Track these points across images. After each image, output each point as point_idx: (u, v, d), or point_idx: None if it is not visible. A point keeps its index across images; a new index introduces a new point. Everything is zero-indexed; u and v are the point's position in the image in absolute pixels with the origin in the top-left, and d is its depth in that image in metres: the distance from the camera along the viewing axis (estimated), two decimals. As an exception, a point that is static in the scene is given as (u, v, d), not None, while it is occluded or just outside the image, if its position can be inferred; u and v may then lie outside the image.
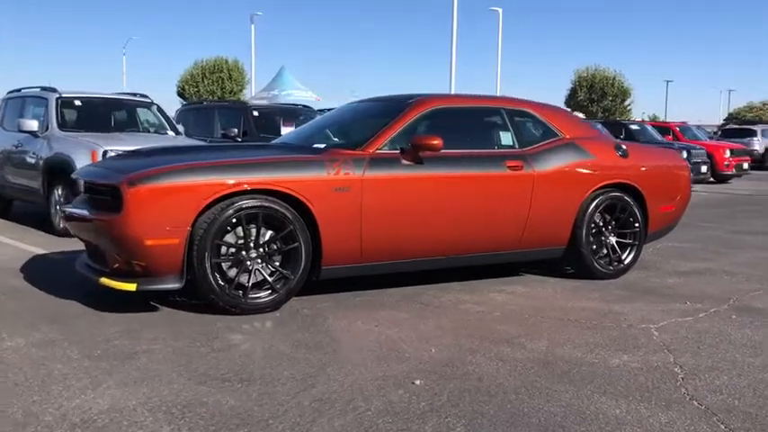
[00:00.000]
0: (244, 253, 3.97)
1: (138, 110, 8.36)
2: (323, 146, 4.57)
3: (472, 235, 4.69)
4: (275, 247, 4.05)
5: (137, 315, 3.91)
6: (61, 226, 6.94)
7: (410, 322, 3.88)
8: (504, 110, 5.05)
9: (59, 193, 7.05)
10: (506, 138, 4.96)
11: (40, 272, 5.05)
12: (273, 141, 5.41)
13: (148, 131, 8.16)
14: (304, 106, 10.33)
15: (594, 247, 5.16)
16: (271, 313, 3.99)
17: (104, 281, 3.91)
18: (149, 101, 8.39)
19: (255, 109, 9.50)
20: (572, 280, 5.13)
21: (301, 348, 3.36)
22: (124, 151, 6.62)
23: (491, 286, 4.86)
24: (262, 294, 4.01)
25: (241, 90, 36.00)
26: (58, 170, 6.93)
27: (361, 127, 4.93)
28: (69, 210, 4.31)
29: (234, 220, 3.89)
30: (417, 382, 2.91)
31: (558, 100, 35.07)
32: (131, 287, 3.79)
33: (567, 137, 5.13)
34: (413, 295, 4.51)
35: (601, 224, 5.19)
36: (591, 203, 5.07)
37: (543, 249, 5.05)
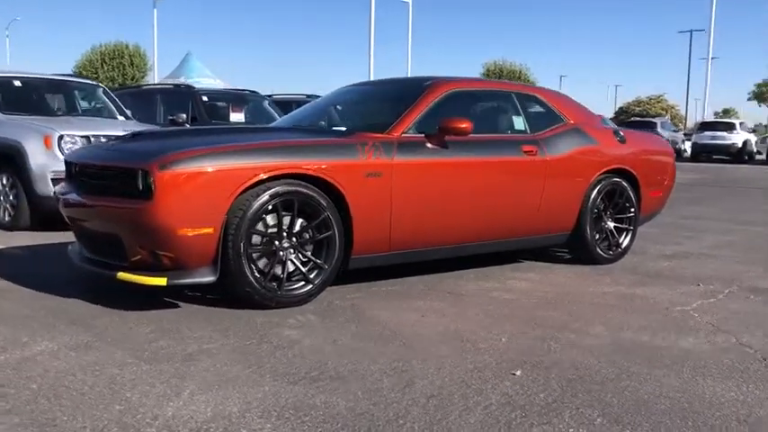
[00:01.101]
0: (277, 243, 3.70)
1: (83, 92, 7.75)
2: (343, 129, 4.33)
3: (492, 221, 4.61)
4: (307, 236, 3.80)
5: (159, 312, 3.58)
6: (7, 219, 6.36)
7: (454, 311, 3.74)
8: (515, 94, 4.98)
9: (4, 182, 6.44)
10: (519, 122, 4.89)
11: (13, 269, 4.55)
12: (276, 124, 5.09)
13: (97, 116, 7.57)
14: (251, 92, 9.90)
15: (596, 232, 5.19)
16: (305, 306, 3.74)
17: (123, 276, 3.53)
18: (95, 83, 7.81)
19: (204, 93, 9.01)
20: (573, 265, 5.14)
21: (368, 341, 3.16)
22: (83, 137, 6.14)
23: (504, 274, 4.79)
24: (296, 286, 3.75)
25: (143, 77, 34.56)
26: (4, 157, 6.32)
27: (375, 110, 4.73)
28: (72, 196, 3.88)
29: (269, 207, 3.61)
30: (517, 372, 2.78)
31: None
32: (160, 282, 3.45)
33: (572, 122, 5.13)
34: (433, 284, 4.36)
35: (601, 209, 5.22)
36: (594, 189, 5.09)
37: (551, 235, 5.03)
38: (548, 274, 4.86)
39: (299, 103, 11.58)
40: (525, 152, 4.70)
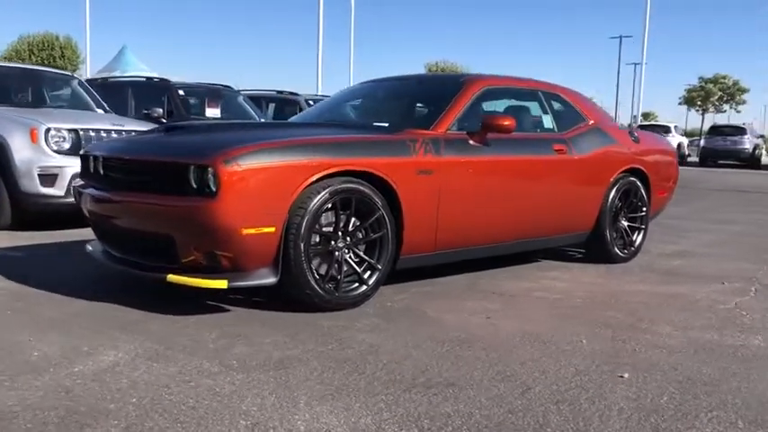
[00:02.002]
0: (332, 242, 3.54)
1: (58, 83, 7.32)
2: (386, 125, 4.19)
3: (527, 220, 4.56)
4: (360, 235, 3.65)
5: (211, 317, 3.37)
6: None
7: (514, 312, 3.67)
8: (542, 92, 4.95)
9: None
10: (547, 121, 4.87)
11: (20, 272, 4.22)
12: (303, 119, 4.87)
13: (72, 109, 7.15)
14: (225, 86, 9.57)
15: (613, 231, 5.21)
16: (362, 309, 3.59)
17: (175, 278, 3.30)
18: (70, 74, 7.39)
19: (180, 87, 8.64)
20: (587, 264, 5.14)
21: (451, 345, 3.04)
22: (70, 130, 5.79)
23: (531, 273, 4.75)
24: (352, 287, 3.60)
25: (75, 70, 33.17)
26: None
27: (409, 107, 4.61)
28: (102, 193, 3.61)
29: (329, 206, 3.45)
30: (625, 375, 2.72)
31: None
32: (221, 285, 3.23)
33: (592, 122, 5.14)
34: (469, 285, 4.28)
35: (618, 208, 5.25)
36: (613, 188, 5.12)
37: (573, 234, 5.03)
38: (574, 272, 4.84)
39: (268, 99, 11.35)
40: (556, 151, 4.67)
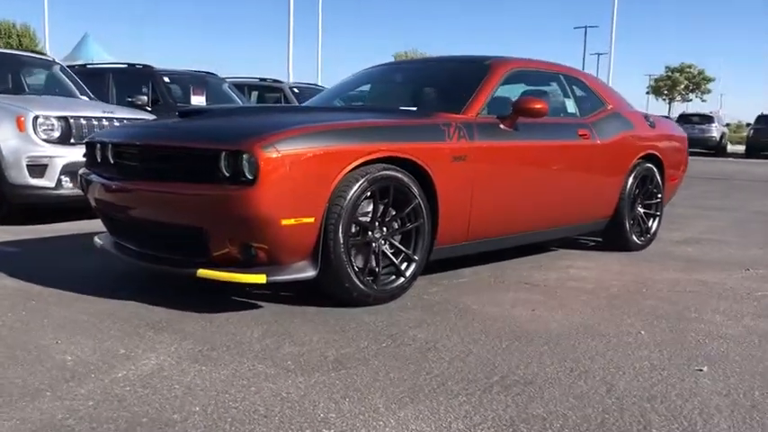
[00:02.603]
0: (370, 233, 3.34)
1: (37, 69, 6.95)
2: (414, 108, 3.99)
3: (554, 207, 4.43)
4: (396, 225, 3.46)
5: (247, 313, 3.16)
6: None
7: (556, 303, 3.52)
8: (563, 76, 4.81)
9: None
10: (570, 105, 4.73)
11: (26, 268, 3.94)
12: (320, 102, 4.62)
13: (56, 95, 6.78)
14: (209, 73, 9.23)
15: (631, 218, 5.11)
16: (400, 302, 3.41)
17: (206, 273, 3.07)
18: (51, 59, 7.03)
19: (165, 74, 8.29)
20: (606, 252, 5.02)
21: (511, 340, 2.87)
22: (59, 118, 5.48)
23: (553, 263, 4.61)
24: (390, 280, 3.41)
25: (34, 59, 32.11)
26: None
27: (432, 90, 4.41)
28: (117, 182, 3.36)
29: (368, 194, 3.25)
30: (704, 368, 2.58)
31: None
32: (259, 279, 3.01)
33: (611, 107, 5.02)
34: (498, 276, 4.11)
35: (636, 194, 5.15)
36: (631, 174, 5.01)
37: (594, 222, 4.91)
38: (595, 262, 4.71)
39: (250, 87, 11.03)
40: (581, 136, 4.54)
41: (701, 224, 6.81)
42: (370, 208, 3.33)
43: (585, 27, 48.91)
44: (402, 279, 3.43)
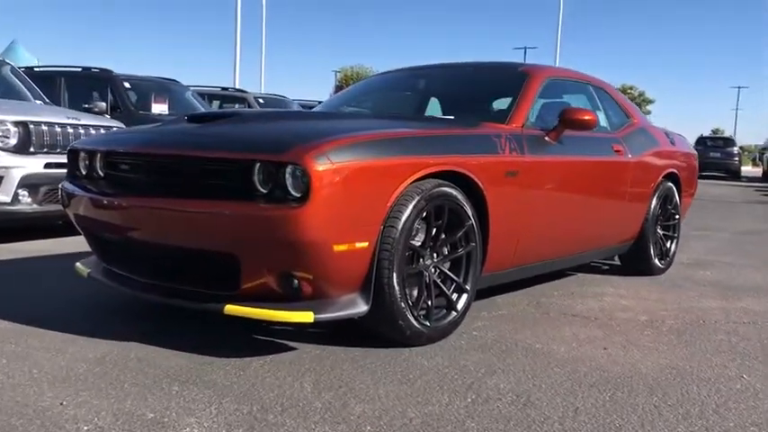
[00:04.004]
0: (421, 260, 2.86)
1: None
2: (451, 117, 3.53)
3: (593, 229, 4.05)
4: (445, 251, 2.99)
5: (279, 358, 2.63)
6: None
7: (623, 340, 3.11)
8: (592, 86, 4.44)
9: None
10: (602, 118, 4.35)
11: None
12: (332, 109, 4.10)
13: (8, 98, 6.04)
14: (171, 80, 8.55)
15: (654, 240, 4.78)
16: (450, 340, 2.93)
17: (235, 309, 2.52)
18: (0, 59, 6.27)
19: (125, 79, 7.59)
20: (628, 277, 4.68)
21: (613, 390, 2.43)
22: (17, 123, 4.82)
23: (584, 289, 4.21)
24: (441, 315, 2.93)
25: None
26: None
27: (467, 98, 3.96)
28: (118, 198, 2.78)
29: (424, 215, 2.77)
30: None
31: (324, 96, 34.92)
32: (305, 317, 2.48)
33: (636, 121, 4.69)
34: (535, 306, 3.69)
35: (658, 215, 4.83)
36: (655, 194, 4.69)
37: (622, 244, 4.55)
38: (624, 288, 4.32)
39: (211, 96, 10.38)
40: (616, 152, 4.18)
41: (698, 245, 6.57)
42: (423, 231, 2.84)
43: (525, 48, 49.70)
44: (454, 313, 2.96)
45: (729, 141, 26.68)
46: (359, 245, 2.53)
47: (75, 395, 2.15)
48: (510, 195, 3.22)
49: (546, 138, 3.55)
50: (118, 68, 7.68)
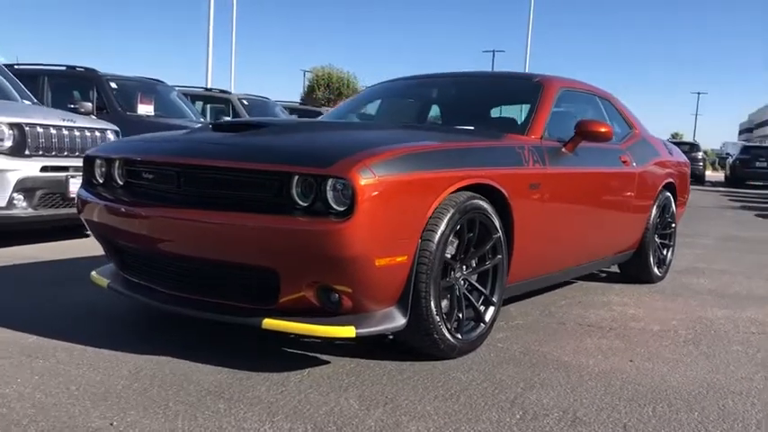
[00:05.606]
0: (452, 273, 2.86)
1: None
2: (472, 128, 3.53)
3: (602, 238, 4.10)
4: (473, 263, 3.00)
5: (316, 371, 2.60)
6: None
7: (645, 352, 3.14)
8: (598, 97, 4.49)
9: None
10: (608, 129, 4.39)
11: (7, 310, 3.20)
12: (340, 118, 4.07)
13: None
14: (156, 80, 8.40)
15: (653, 249, 4.85)
16: (479, 353, 2.94)
17: (274, 324, 2.49)
18: (-14, 57, 6.08)
19: (111, 79, 7.43)
20: (626, 285, 4.75)
21: (663, 405, 2.46)
22: (12, 125, 4.71)
23: (589, 298, 4.26)
24: (470, 327, 2.94)
25: None
26: None
27: (481, 108, 3.96)
28: (142, 209, 2.71)
29: (458, 227, 2.77)
30: None
31: (296, 96, 34.66)
32: (347, 332, 2.46)
33: (637, 131, 4.77)
34: (548, 316, 3.72)
35: (657, 224, 4.90)
36: (655, 203, 4.76)
37: (624, 253, 4.61)
38: (627, 296, 4.40)
39: (193, 97, 10.24)
40: (623, 162, 4.23)
41: (685, 252, 6.67)
42: (454, 243, 2.84)
43: (493, 51, 50.10)
44: (482, 326, 2.97)
45: (695, 147, 27.30)
46: (398, 259, 2.52)
47: (123, 414, 2.10)
48: (533, 207, 3.24)
49: (563, 149, 3.57)
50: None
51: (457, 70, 4.46)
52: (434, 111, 4.17)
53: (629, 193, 4.28)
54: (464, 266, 2.92)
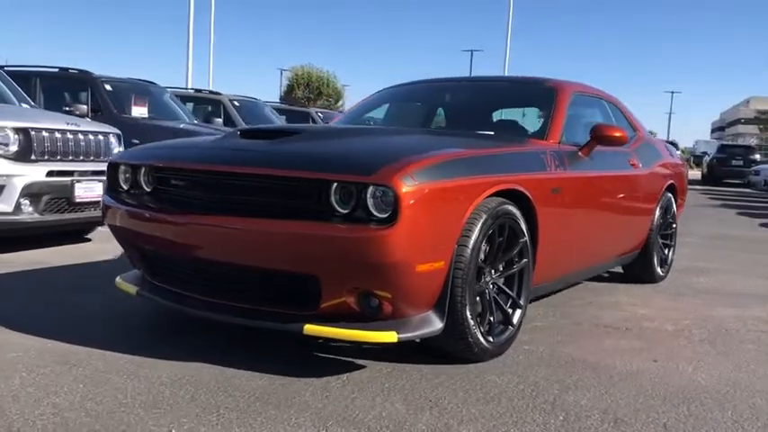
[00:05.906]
0: (483, 278, 2.91)
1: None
2: (491, 132, 3.58)
3: (612, 240, 4.18)
4: (501, 267, 3.05)
5: (355, 376, 2.63)
6: None
7: (665, 352, 3.22)
8: (605, 101, 4.57)
9: None
10: (617, 133, 4.47)
11: (22, 316, 3.19)
12: (352, 122, 4.09)
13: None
14: (149, 82, 8.33)
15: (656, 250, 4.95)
16: (507, 357, 2.99)
17: (316, 330, 2.52)
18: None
19: (107, 81, 7.36)
20: (630, 285, 4.83)
21: (695, 404, 2.53)
22: (17, 130, 4.67)
23: (598, 299, 4.33)
24: (499, 330, 2.98)
25: None
26: None
27: (497, 113, 4.01)
28: (177, 216, 2.72)
29: (490, 232, 2.81)
30: None
31: (274, 96, 34.50)
32: (389, 337, 2.49)
33: (640, 134, 4.85)
34: (561, 316, 3.79)
35: (660, 225, 5.00)
36: (659, 204, 4.85)
37: (630, 254, 4.69)
38: (632, 295, 4.48)
39: (185, 98, 10.19)
40: (631, 165, 4.31)
41: (679, 251, 6.78)
42: (486, 248, 2.89)
43: (472, 51, 50.31)
44: (511, 329, 3.02)
45: (673, 145, 27.74)
46: (437, 264, 2.56)
47: (178, 422, 2.12)
48: (555, 211, 3.30)
49: (579, 153, 3.64)
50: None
51: (466, 75, 4.49)
52: (448, 115, 4.21)
53: (637, 195, 4.36)
54: (493, 270, 2.97)
